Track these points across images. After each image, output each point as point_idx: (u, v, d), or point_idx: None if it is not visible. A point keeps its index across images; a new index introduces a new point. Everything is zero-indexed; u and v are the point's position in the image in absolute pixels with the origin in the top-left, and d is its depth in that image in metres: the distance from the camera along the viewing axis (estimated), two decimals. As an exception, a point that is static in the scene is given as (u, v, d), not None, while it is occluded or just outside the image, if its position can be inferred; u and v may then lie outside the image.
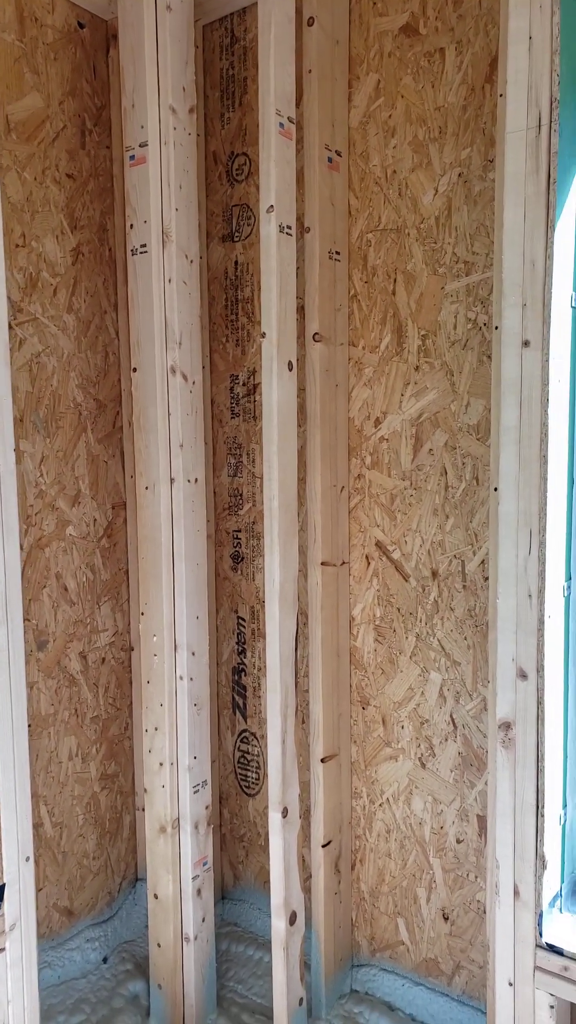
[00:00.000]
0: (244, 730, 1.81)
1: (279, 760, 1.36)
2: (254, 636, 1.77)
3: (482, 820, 1.41)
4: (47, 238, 1.58)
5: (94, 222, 1.68)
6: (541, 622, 1.11)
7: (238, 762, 1.83)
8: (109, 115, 1.71)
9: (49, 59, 1.56)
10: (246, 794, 1.82)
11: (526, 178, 1.08)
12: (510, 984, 1.16)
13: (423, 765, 1.48)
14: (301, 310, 1.50)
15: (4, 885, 1.18)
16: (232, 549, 1.79)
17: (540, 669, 1.11)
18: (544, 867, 1.13)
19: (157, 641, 1.49)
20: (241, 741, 1.82)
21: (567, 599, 1.18)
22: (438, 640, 1.45)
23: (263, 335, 1.31)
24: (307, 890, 1.57)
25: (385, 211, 1.46)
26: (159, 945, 1.54)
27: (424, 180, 1.40)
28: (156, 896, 1.53)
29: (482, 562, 1.38)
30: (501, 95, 1.23)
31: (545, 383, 1.09)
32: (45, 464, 1.60)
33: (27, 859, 1.21)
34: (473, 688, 1.41)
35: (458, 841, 1.44)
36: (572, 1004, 1.19)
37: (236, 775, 1.84)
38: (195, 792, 1.51)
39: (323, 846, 1.52)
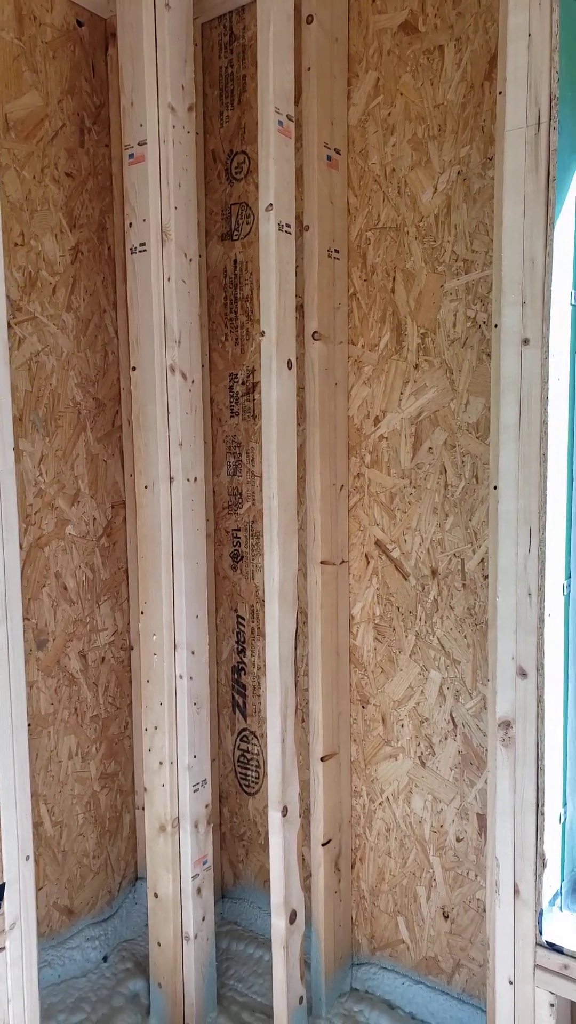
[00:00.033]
0: (244, 729, 1.81)
1: (279, 759, 1.36)
2: (254, 635, 1.77)
3: (482, 818, 1.41)
4: (46, 237, 1.58)
5: (93, 221, 1.68)
6: (541, 620, 1.11)
7: (238, 761, 1.83)
8: (108, 113, 1.71)
9: (48, 57, 1.56)
10: (246, 793, 1.82)
11: (525, 176, 1.08)
12: (510, 982, 1.16)
13: (423, 764, 1.48)
14: (300, 308, 1.50)
15: (4, 884, 1.18)
16: (231, 548, 1.79)
17: (540, 667, 1.11)
18: (544, 865, 1.12)
19: (157, 640, 1.49)
20: (241, 740, 1.82)
21: (567, 597, 1.17)
22: (438, 639, 1.45)
23: (262, 333, 1.31)
24: (307, 889, 1.57)
25: (384, 209, 1.45)
26: (159, 944, 1.54)
27: (423, 178, 1.40)
28: (156, 895, 1.53)
29: (482, 560, 1.38)
30: (500, 92, 1.23)
31: (545, 381, 1.09)
32: (44, 463, 1.60)
33: (27, 858, 1.21)
34: (473, 687, 1.41)
35: (458, 840, 1.44)
36: (572, 1002, 1.19)
37: (236, 774, 1.84)
38: (195, 791, 1.51)
39: (323, 845, 1.52)
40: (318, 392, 1.46)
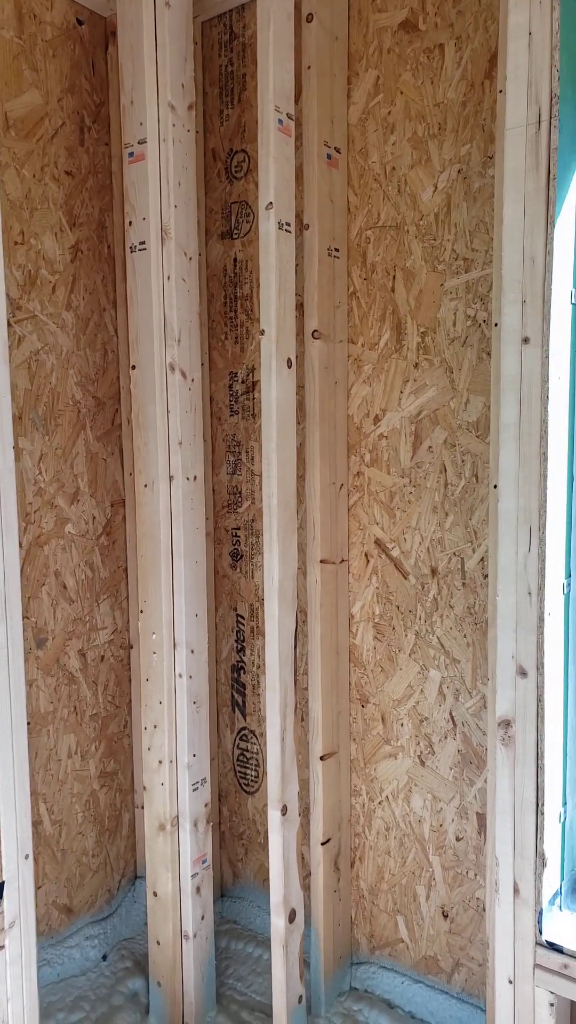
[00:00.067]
0: (243, 728, 1.81)
1: (278, 758, 1.36)
2: (253, 634, 1.77)
3: (481, 818, 1.41)
4: (46, 235, 1.58)
5: (93, 219, 1.68)
6: (541, 619, 1.10)
7: (237, 760, 1.83)
8: (108, 112, 1.71)
9: (48, 56, 1.56)
10: (245, 792, 1.82)
11: (526, 174, 1.08)
12: (510, 982, 1.16)
13: (422, 763, 1.48)
14: (300, 307, 1.50)
15: (3, 883, 1.18)
16: (231, 547, 1.79)
17: (540, 667, 1.11)
18: (544, 865, 1.12)
19: (156, 639, 1.49)
20: (240, 739, 1.82)
21: (567, 596, 1.17)
22: (437, 638, 1.45)
23: (262, 332, 1.31)
24: (306, 888, 1.57)
25: (384, 208, 1.45)
26: (158, 943, 1.54)
27: (423, 177, 1.40)
28: (155, 894, 1.53)
29: (482, 559, 1.38)
30: (501, 91, 1.23)
31: (545, 380, 1.09)
32: (44, 462, 1.60)
33: (26, 857, 1.21)
34: (472, 686, 1.41)
35: (457, 839, 1.44)
36: (572, 1002, 1.19)
37: (235, 773, 1.84)
38: (194, 790, 1.51)
39: (322, 844, 1.52)
40: (318, 391, 1.46)
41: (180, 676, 1.49)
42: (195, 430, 1.50)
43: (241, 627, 1.79)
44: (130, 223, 1.45)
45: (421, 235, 1.41)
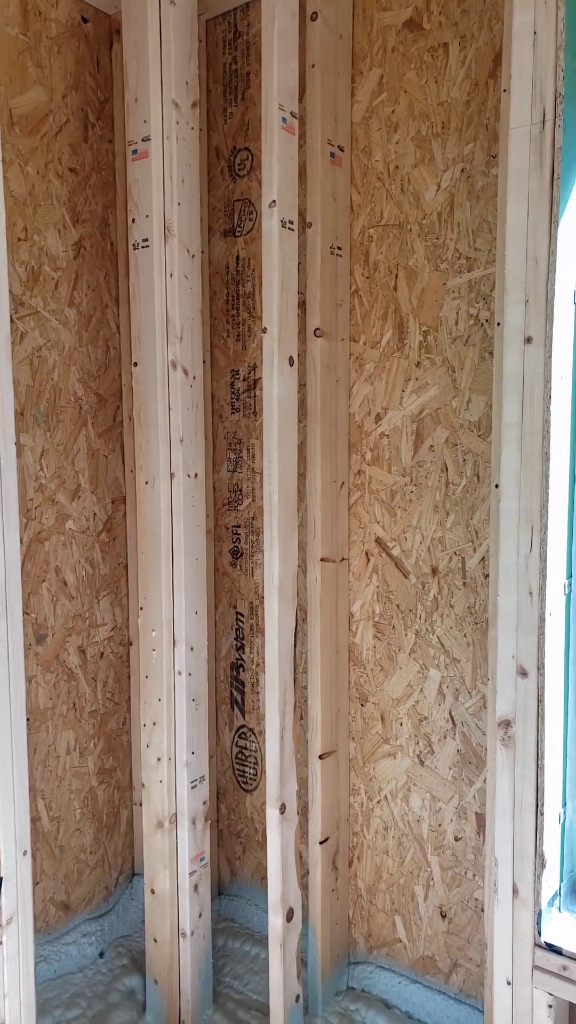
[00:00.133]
0: (242, 726, 1.81)
1: (277, 756, 1.36)
2: (252, 632, 1.77)
3: (480, 818, 1.41)
4: (49, 232, 1.58)
5: (96, 216, 1.68)
6: (542, 620, 1.10)
7: (236, 758, 1.83)
8: (112, 109, 1.71)
9: (53, 53, 1.56)
10: (243, 790, 1.82)
11: (529, 174, 1.08)
12: (508, 983, 1.15)
13: (422, 762, 1.48)
14: (302, 305, 1.50)
15: (1, 879, 1.18)
16: (231, 544, 1.79)
17: (540, 667, 1.11)
18: (543, 866, 1.12)
19: (156, 636, 1.48)
20: (239, 737, 1.82)
21: (568, 597, 1.17)
22: (438, 637, 1.44)
23: (264, 330, 1.31)
24: (304, 887, 1.57)
25: (387, 206, 1.45)
26: (156, 940, 1.54)
27: (427, 176, 1.40)
28: (153, 891, 1.53)
29: (482, 559, 1.37)
30: (505, 90, 1.23)
31: (547, 380, 1.08)
32: (45, 458, 1.60)
33: (24, 853, 1.21)
34: (472, 685, 1.40)
35: (456, 839, 1.44)
36: (571, 1004, 1.18)
37: (234, 771, 1.84)
38: (192, 787, 1.51)
39: (320, 843, 1.51)
40: (319, 389, 1.46)
41: (179, 673, 1.49)
42: (196, 427, 1.50)
43: (241, 625, 1.79)
44: (133, 220, 1.45)
45: (424, 234, 1.41)
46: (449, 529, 1.42)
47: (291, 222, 1.32)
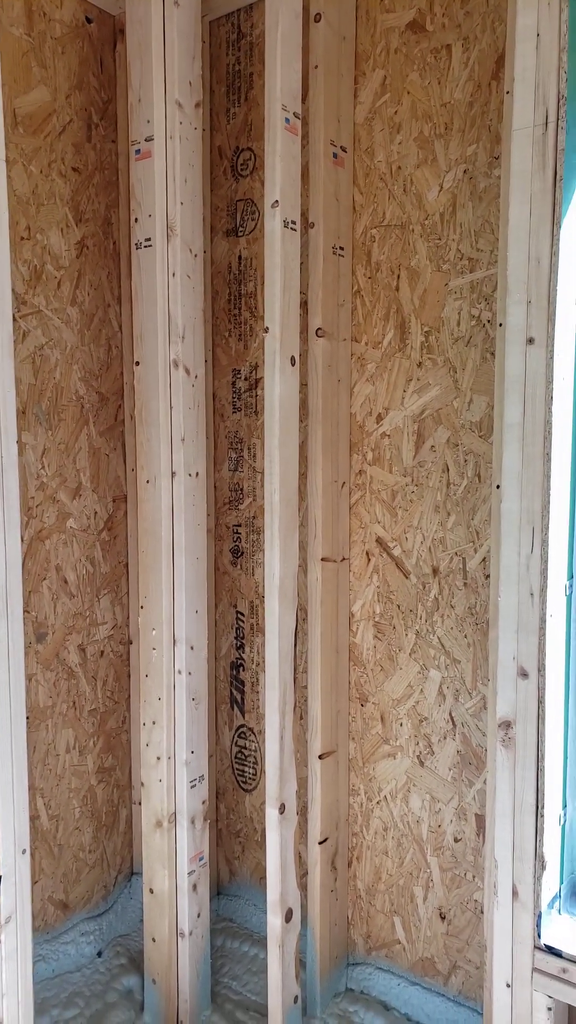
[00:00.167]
0: (241, 725, 1.81)
1: (276, 756, 1.36)
2: (253, 631, 1.77)
3: (480, 819, 1.41)
4: (52, 231, 1.58)
5: (99, 216, 1.68)
6: (543, 621, 1.10)
7: (235, 757, 1.83)
8: (115, 109, 1.71)
9: (57, 53, 1.56)
10: (243, 789, 1.82)
11: (532, 175, 1.08)
12: (507, 985, 1.15)
13: (421, 763, 1.48)
14: (304, 305, 1.50)
15: (0, 877, 1.18)
16: (232, 544, 1.79)
17: (541, 668, 1.10)
18: (543, 868, 1.12)
19: (156, 635, 1.48)
20: (239, 736, 1.82)
21: (569, 598, 1.17)
22: (438, 637, 1.44)
23: (266, 330, 1.31)
24: (303, 887, 1.57)
25: (390, 207, 1.45)
26: (154, 940, 1.54)
27: (429, 176, 1.40)
28: (152, 890, 1.53)
29: (483, 560, 1.37)
30: (508, 92, 1.23)
31: (549, 381, 1.08)
32: (47, 456, 1.60)
33: (23, 851, 1.21)
34: (473, 686, 1.40)
35: (456, 840, 1.44)
36: (570, 1006, 1.18)
37: (233, 770, 1.83)
38: (192, 787, 1.51)
39: (320, 843, 1.51)
40: (321, 389, 1.46)
41: (179, 672, 1.49)
42: (198, 427, 1.50)
43: (241, 624, 1.79)
44: (136, 220, 1.45)
45: (426, 234, 1.41)
46: (450, 529, 1.42)
47: (293, 222, 1.32)
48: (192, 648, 1.50)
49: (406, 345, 1.45)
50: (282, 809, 1.37)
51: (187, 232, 1.45)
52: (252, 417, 1.73)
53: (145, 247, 1.44)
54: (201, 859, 1.54)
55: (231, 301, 1.74)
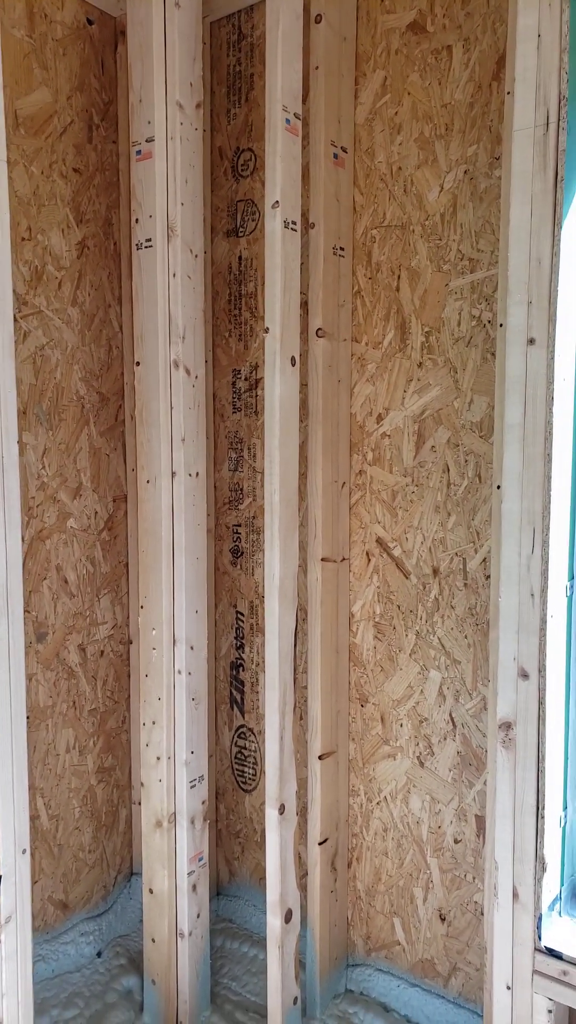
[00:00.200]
0: (241, 725, 1.81)
1: (276, 756, 1.35)
2: (252, 631, 1.77)
3: (480, 820, 1.40)
4: (53, 232, 1.58)
5: (100, 216, 1.69)
6: (543, 621, 1.10)
7: (235, 757, 1.82)
8: (116, 110, 1.71)
9: (58, 54, 1.57)
10: (243, 790, 1.82)
11: (533, 176, 1.08)
12: (508, 988, 1.15)
13: (421, 764, 1.48)
14: (305, 306, 1.50)
15: (0, 877, 1.18)
16: (232, 544, 1.79)
17: (542, 669, 1.10)
18: (544, 869, 1.12)
19: (156, 635, 1.48)
20: (238, 736, 1.81)
21: (570, 599, 1.17)
22: (438, 638, 1.44)
23: (266, 330, 1.31)
24: (303, 888, 1.57)
25: (390, 207, 1.45)
26: (153, 940, 1.53)
27: (430, 177, 1.40)
28: (151, 891, 1.53)
29: (484, 560, 1.37)
30: (509, 93, 1.23)
31: (550, 381, 1.08)
32: (47, 456, 1.60)
33: (23, 851, 1.21)
34: (473, 687, 1.40)
35: (456, 841, 1.44)
36: (571, 1009, 1.18)
37: (233, 771, 1.83)
38: (192, 787, 1.51)
39: (319, 844, 1.51)
40: (321, 389, 1.46)
41: (179, 672, 1.49)
42: (198, 427, 1.50)
43: (241, 624, 1.79)
44: (136, 220, 1.45)
45: (427, 235, 1.41)
46: (450, 530, 1.42)
47: (294, 223, 1.32)
48: (192, 648, 1.50)
49: (406, 345, 1.45)
50: (282, 810, 1.37)
51: (188, 232, 1.45)
52: (252, 417, 1.73)
53: (146, 247, 1.44)
54: (201, 859, 1.54)
55: (231, 301, 1.74)
